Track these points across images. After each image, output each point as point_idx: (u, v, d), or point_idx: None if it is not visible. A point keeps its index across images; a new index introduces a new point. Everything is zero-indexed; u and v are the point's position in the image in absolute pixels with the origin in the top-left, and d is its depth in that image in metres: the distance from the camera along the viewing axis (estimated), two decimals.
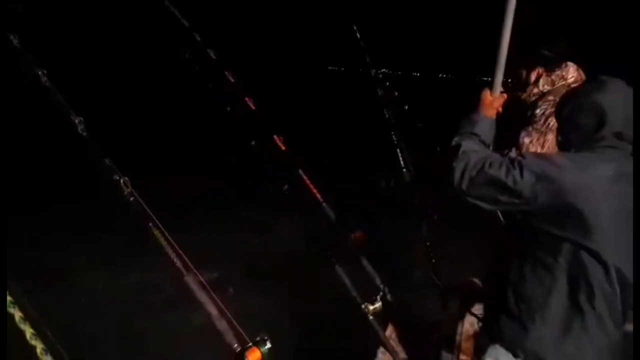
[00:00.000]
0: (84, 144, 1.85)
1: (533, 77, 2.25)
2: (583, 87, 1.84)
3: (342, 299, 2.37)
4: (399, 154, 3.09)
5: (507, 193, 1.48)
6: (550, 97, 2.17)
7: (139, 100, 6.80)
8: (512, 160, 1.51)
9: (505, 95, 1.80)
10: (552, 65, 2.23)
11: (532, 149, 2.13)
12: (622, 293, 1.51)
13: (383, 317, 2.44)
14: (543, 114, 2.18)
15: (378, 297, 2.38)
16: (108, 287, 3.96)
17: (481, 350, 1.68)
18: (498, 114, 1.77)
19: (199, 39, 2.79)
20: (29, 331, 1.18)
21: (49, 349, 1.19)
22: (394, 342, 2.36)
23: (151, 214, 1.76)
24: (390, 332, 2.45)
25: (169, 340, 3.40)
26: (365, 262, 2.49)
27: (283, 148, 2.54)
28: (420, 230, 2.86)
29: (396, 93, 3.41)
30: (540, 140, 2.15)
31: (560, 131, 1.68)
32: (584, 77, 2.25)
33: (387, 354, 2.27)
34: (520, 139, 2.17)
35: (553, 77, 2.24)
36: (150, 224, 1.74)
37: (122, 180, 1.80)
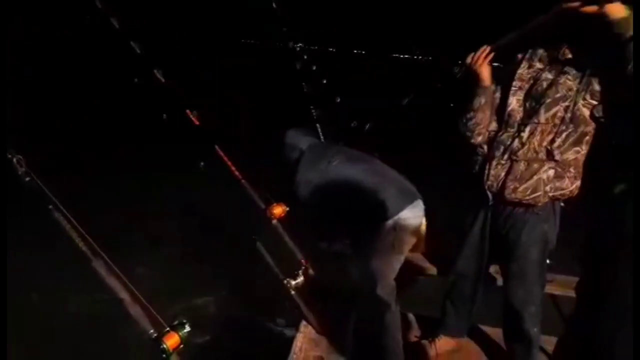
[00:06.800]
0: None
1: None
2: None
3: (264, 275, 2.35)
4: (318, 129, 3.09)
5: None
6: None
7: None
8: None
9: None
10: None
11: None
12: None
13: (305, 291, 2.45)
14: None
15: (300, 272, 2.39)
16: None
17: None
18: None
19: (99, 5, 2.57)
20: None
21: None
22: (316, 316, 2.38)
23: (50, 195, 1.60)
24: (312, 305, 2.46)
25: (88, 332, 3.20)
26: (286, 237, 2.48)
27: (197, 123, 2.42)
28: None
29: (314, 67, 3.38)
30: None
31: None
32: None
33: (309, 327, 2.29)
34: None
35: None
36: (51, 206, 1.58)
37: (14, 159, 1.62)
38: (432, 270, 2.85)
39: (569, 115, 2.02)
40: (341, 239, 2.41)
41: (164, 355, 1.53)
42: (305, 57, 3.31)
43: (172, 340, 1.54)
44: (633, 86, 1.55)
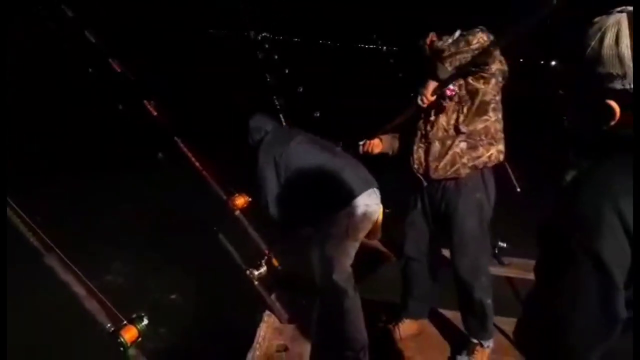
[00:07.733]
0: None
1: None
2: None
3: (227, 266, 2.33)
4: (281, 118, 3.08)
5: None
6: None
7: None
8: None
9: None
10: None
11: None
12: None
13: (269, 280, 2.46)
14: None
15: (263, 262, 2.39)
16: None
17: None
18: None
19: None
20: None
21: None
22: (279, 305, 2.39)
23: None
24: (276, 295, 2.47)
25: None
26: (249, 228, 2.47)
27: (155, 114, 2.38)
28: None
29: (276, 56, 3.37)
30: None
31: None
32: None
33: (273, 316, 2.30)
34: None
35: None
36: None
37: None
38: (394, 255, 2.89)
39: (463, 92, 2.18)
40: (303, 224, 2.42)
41: (121, 349, 1.51)
42: (267, 46, 3.29)
43: (129, 334, 1.52)
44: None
